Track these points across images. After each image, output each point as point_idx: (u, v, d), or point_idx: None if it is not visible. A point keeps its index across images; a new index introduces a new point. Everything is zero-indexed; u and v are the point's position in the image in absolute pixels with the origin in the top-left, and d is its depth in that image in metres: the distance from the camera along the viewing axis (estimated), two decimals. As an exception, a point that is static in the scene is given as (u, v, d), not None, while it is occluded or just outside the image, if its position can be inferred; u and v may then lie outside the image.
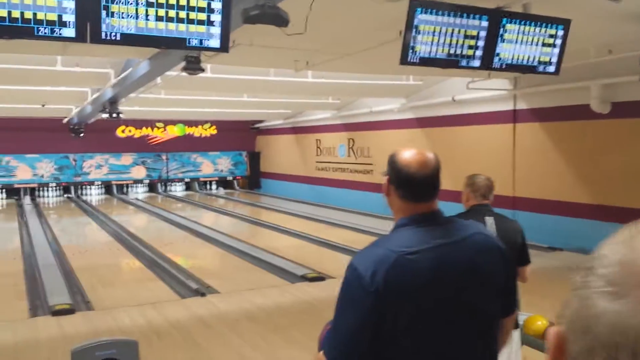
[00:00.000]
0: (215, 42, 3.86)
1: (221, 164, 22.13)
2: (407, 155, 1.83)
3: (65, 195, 19.95)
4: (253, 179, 22.26)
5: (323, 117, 17.07)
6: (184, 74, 8.39)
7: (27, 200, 18.54)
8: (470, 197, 3.57)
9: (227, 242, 10.76)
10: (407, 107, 13.13)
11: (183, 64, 6.56)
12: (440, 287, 1.71)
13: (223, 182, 22.27)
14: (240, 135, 21.76)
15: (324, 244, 10.59)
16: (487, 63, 4.78)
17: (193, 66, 6.36)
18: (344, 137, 16.44)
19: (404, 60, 4.42)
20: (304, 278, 7.74)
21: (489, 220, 3.36)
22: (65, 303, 6.48)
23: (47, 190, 19.77)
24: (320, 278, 7.73)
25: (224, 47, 3.88)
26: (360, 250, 1.79)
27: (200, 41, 3.84)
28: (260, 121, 21.17)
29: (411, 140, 13.08)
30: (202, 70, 6.45)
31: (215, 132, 20.42)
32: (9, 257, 9.65)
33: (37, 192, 19.50)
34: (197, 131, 20.18)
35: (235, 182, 22.49)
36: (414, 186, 1.81)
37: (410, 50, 4.42)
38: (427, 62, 4.51)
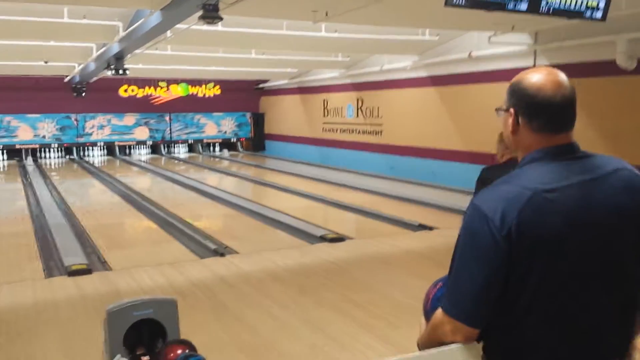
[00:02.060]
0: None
1: (225, 125, 21.74)
2: (537, 77, 1.51)
3: (68, 157, 19.67)
4: (257, 140, 21.89)
5: (331, 77, 16.65)
6: (194, 27, 8.06)
7: (29, 161, 18.25)
8: (505, 153, 3.49)
9: (238, 202, 10.53)
10: (421, 65, 12.74)
11: (199, 13, 6.21)
12: (584, 232, 1.43)
13: (227, 144, 21.92)
14: (244, 96, 21.32)
15: (332, 204, 10.38)
16: (534, 7, 4.47)
17: (211, 14, 5.98)
18: (352, 96, 16.07)
19: (449, 2, 4.11)
20: (323, 239, 7.53)
21: None
22: (81, 263, 6.28)
23: (49, 151, 19.45)
24: (340, 239, 7.52)
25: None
26: (481, 190, 1.52)
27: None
28: (265, 81, 20.71)
29: (423, 99, 12.76)
30: (221, 19, 6.08)
31: (219, 92, 19.98)
32: (17, 218, 9.41)
33: (38, 153, 19.21)
34: (200, 91, 19.74)
35: (239, 144, 22.15)
36: (554, 112, 1.51)
37: (457, -9, 4.10)
38: (474, 4, 4.20)
